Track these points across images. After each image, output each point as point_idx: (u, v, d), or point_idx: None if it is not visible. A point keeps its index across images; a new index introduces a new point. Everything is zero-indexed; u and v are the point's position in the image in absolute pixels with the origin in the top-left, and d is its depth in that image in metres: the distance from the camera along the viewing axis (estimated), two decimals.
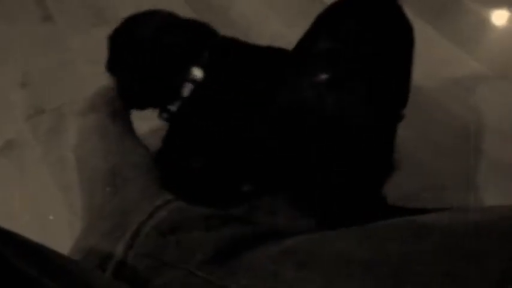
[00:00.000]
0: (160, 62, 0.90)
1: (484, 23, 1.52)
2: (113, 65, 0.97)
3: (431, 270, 0.52)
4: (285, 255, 0.62)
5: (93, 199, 0.89)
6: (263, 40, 1.32)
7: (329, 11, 0.89)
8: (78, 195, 0.93)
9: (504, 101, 1.24)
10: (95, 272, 0.70)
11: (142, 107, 0.98)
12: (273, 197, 0.85)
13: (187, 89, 0.89)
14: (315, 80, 0.84)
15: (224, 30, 1.19)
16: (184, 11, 1.28)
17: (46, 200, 1.12)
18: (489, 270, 0.50)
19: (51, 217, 1.09)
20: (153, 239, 0.75)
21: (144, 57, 0.91)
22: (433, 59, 1.30)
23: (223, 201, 0.86)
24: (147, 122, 1.17)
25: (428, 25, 1.45)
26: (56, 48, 1.45)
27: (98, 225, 0.82)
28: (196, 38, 0.92)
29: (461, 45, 1.42)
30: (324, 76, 0.84)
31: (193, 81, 0.89)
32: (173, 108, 0.92)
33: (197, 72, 0.88)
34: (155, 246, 0.73)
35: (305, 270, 0.59)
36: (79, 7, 1.58)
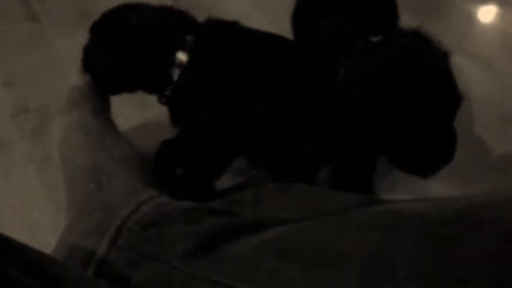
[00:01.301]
0: (145, 49, 0.91)
1: (469, 18, 1.53)
2: (94, 56, 0.98)
3: (407, 257, 0.52)
4: (266, 246, 0.63)
5: (77, 196, 0.89)
6: None
7: None
8: (63, 193, 0.93)
9: (489, 94, 1.25)
10: (75, 270, 0.70)
11: (132, 90, 0.98)
12: (255, 189, 0.86)
13: (175, 74, 0.90)
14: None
15: None
16: None
17: (31, 198, 1.12)
18: (464, 256, 0.50)
19: (35, 215, 1.09)
20: (135, 233, 0.75)
21: (129, 45, 0.92)
22: None
23: (206, 195, 0.86)
24: (130, 119, 1.18)
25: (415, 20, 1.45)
26: (40, 48, 1.44)
27: (82, 222, 0.82)
28: (179, 23, 0.93)
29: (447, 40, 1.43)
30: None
31: (180, 65, 0.90)
32: (167, 92, 0.93)
33: (182, 57, 0.90)
34: (137, 240, 0.74)
35: (284, 260, 0.59)
36: (64, 6, 1.58)
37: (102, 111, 1.01)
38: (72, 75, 1.13)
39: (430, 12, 1.53)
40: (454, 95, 0.82)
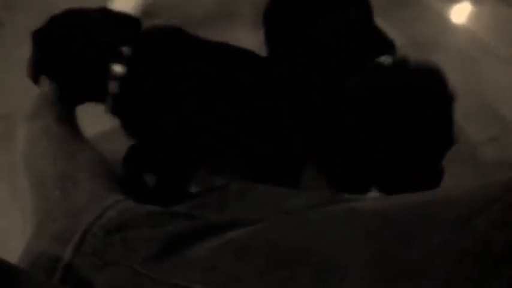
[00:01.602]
0: (80, 60, 0.90)
1: (436, 17, 1.55)
2: (37, 64, 0.97)
3: (360, 253, 0.53)
4: (225, 248, 0.63)
5: (42, 203, 0.89)
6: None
7: None
8: (29, 201, 0.93)
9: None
10: (39, 279, 0.70)
11: (79, 102, 0.98)
12: (219, 192, 0.86)
13: (113, 86, 0.89)
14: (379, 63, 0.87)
15: None
16: None
17: None
18: (417, 252, 0.51)
19: (3, 222, 1.09)
20: (99, 238, 0.75)
21: (64, 56, 0.91)
22: None
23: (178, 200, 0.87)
24: (98, 124, 1.18)
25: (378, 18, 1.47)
26: (4, 55, 1.44)
27: (48, 228, 0.83)
28: (117, 34, 0.92)
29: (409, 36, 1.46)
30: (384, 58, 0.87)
31: (116, 77, 0.89)
32: (109, 104, 0.93)
33: (118, 69, 0.89)
34: (101, 246, 0.74)
35: (242, 261, 0.60)
36: (30, 14, 1.58)
37: (67, 117, 1.01)
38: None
39: (399, 10, 1.55)
40: (449, 137, 0.83)
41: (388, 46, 0.92)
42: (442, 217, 0.53)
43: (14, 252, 0.77)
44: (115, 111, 0.92)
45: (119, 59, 0.89)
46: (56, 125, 0.97)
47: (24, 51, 1.43)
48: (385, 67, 0.86)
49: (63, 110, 1.01)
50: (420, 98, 0.80)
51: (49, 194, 0.88)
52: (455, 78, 1.29)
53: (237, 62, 0.92)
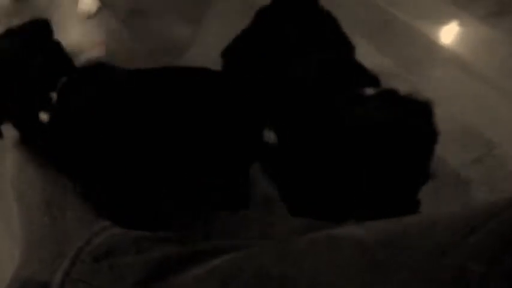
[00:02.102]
0: (10, 89, 0.89)
1: (422, 38, 1.57)
2: None
3: (341, 283, 0.55)
4: (211, 275, 0.64)
5: (32, 229, 0.89)
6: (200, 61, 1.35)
7: None
8: (18, 226, 0.94)
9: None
10: None
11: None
12: (206, 219, 0.87)
13: (44, 117, 0.88)
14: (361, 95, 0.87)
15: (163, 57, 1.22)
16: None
17: None
18: (394, 281, 0.53)
19: None
20: (88, 265, 0.76)
21: None
22: None
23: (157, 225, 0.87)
24: None
25: (364, 39, 1.50)
26: None
27: (37, 254, 0.84)
28: (50, 65, 0.91)
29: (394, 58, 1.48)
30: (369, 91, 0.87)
31: (48, 107, 0.88)
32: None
33: (43, 116, 0.88)
34: (89, 272, 0.75)
35: None
36: None
37: None
38: None
39: (385, 32, 1.58)
40: (425, 173, 0.83)
41: (371, 79, 0.92)
42: (422, 245, 0.54)
43: (3, 276, 0.77)
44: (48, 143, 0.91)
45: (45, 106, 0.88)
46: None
47: None
48: (366, 98, 0.86)
49: None
50: (401, 131, 0.80)
51: (38, 220, 0.88)
52: (439, 100, 1.32)
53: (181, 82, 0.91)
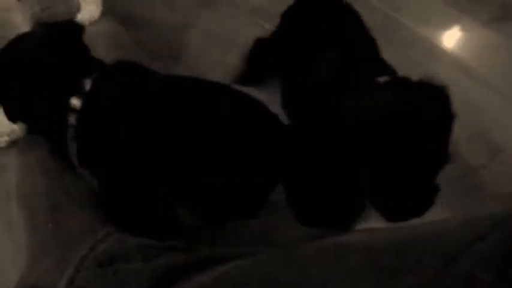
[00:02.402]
0: (40, 92, 0.88)
1: (425, 43, 1.57)
2: None
3: None
4: (217, 282, 0.64)
5: (36, 235, 0.89)
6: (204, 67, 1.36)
7: None
8: (22, 232, 0.94)
9: None
10: None
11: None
12: (212, 230, 0.87)
13: (72, 118, 0.87)
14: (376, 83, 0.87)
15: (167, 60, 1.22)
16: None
17: None
18: (401, 286, 0.52)
19: None
20: (92, 271, 0.76)
21: (24, 84, 0.89)
22: None
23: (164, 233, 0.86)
24: None
25: None
26: None
27: (42, 261, 0.84)
28: (77, 67, 0.90)
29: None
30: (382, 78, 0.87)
31: (74, 110, 0.87)
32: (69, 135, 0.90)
33: (75, 102, 0.87)
34: (94, 278, 0.75)
35: None
36: None
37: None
38: None
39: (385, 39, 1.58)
40: (443, 156, 0.83)
41: (387, 69, 0.91)
42: (429, 253, 0.54)
43: (6, 284, 0.77)
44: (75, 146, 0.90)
45: (78, 92, 0.87)
46: (49, 158, 0.97)
47: None
48: (382, 85, 0.86)
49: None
50: (418, 116, 0.79)
51: (42, 226, 0.88)
52: None
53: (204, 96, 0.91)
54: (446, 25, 1.64)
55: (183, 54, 1.53)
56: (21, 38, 0.93)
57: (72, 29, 0.95)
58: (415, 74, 1.41)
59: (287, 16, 1.13)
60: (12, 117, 0.93)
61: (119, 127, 0.86)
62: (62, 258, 0.81)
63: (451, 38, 1.61)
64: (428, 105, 0.82)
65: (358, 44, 1.01)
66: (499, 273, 0.48)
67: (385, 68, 0.93)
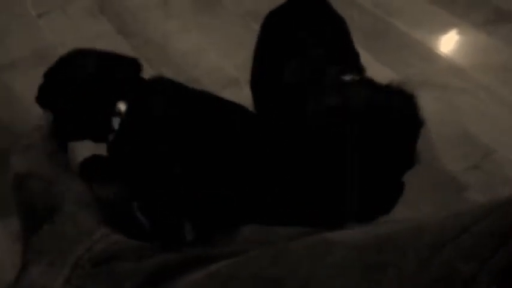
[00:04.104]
0: (89, 99, 0.95)
1: (418, 46, 1.58)
2: (47, 101, 1.02)
3: (334, 284, 0.56)
4: (209, 280, 0.65)
5: (32, 236, 0.90)
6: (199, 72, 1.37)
7: None
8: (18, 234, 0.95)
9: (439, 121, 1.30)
10: None
11: (80, 138, 1.01)
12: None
13: (115, 122, 0.93)
14: (341, 81, 0.87)
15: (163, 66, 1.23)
16: (123, 47, 1.32)
17: None
18: (386, 282, 0.54)
19: None
20: (87, 271, 0.77)
21: (75, 94, 0.96)
22: None
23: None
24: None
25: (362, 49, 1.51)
26: None
27: (38, 261, 0.84)
28: (122, 74, 0.98)
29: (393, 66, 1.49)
30: (348, 77, 0.88)
31: (119, 114, 0.93)
32: (110, 139, 0.96)
33: (121, 106, 0.93)
34: (88, 278, 0.76)
35: None
36: (20, 49, 1.61)
37: (59, 151, 1.04)
38: (30, 118, 1.15)
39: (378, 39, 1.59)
40: (411, 156, 0.84)
41: (354, 67, 0.92)
42: (413, 246, 0.55)
43: (3, 284, 0.78)
44: (115, 149, 0.95)
45: (123, 98, 0.94)
46: (47, 162, 0.99)
47: (17, 83, 1.47)
48: (346, 84, 0.86)
49: (55, 143, 1.04)
50: (381, 117, 0.80)
51: (38, 227, 0.89)
52: (436, 107, 1.33)
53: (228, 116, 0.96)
54: (441, 28, 1.65)
55: (178, 59, 1.55)
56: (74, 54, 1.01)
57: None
58: (408, 77, 1.44)
59: (267, 23, 1.15)
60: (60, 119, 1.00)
61: (153, 139, 0.93)
62: (57, 259, 0.82)
63: (445, 41, 1.62)
64: (393, 106, 0.83)
65: (328, 45, 1.02)
66: (482, 263, 0.49)
67: (353, 67, 0.93)
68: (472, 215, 0.55)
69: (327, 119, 0.80)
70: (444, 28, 1.65)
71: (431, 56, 1.56)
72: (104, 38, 1.63)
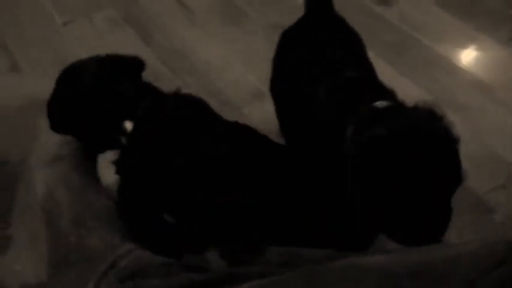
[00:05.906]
0: (97, 115, 0.96)
1: (442, 62, 1.57)
2: (60, 129, 1.05)
3: None
4: None
5: (59, 248, 0.91)
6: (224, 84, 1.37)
7: None
8: (44, 245, 0.95)
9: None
10: None
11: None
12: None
13: (123, 139, 0.94)
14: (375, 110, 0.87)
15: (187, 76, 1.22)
16: (146, 55, 1.32)
17: (12, 250, 1.12)
18: None
19: (17, 267, 1.09)
20: (113, 286, 0.77)
21: (80, 118, 0.98)
22: None
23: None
24: None
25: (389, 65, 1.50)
26: (21, 98, 1.46)
27: (64, 275, 0.85)
28: (132, 94, 0.97)
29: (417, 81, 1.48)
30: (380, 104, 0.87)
31: (124, 133, 0.94)
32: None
33: (128, 125, 0.94)
34: None
35: None
36: (45, 56, 1.62)
37: (84, 164, 1.04)
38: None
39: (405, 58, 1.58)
40: (456, 174, 0.82)
41: (385, 93, 0.91)
42: (447, 278, 0.54)
43: None
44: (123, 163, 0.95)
45: (131, 117, 0.94)
46: (74, 174, 0.99)
47: (41, 92, 1.47)
48: (379, 111, 0.86)
49: (80, 156, 1.04)
50: (418, 140, 0.80)
51: (65, 240, 0.90)
52: (462, 126, 1.31)
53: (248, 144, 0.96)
54: (465, 44, 1.64)
55: (202, 69, 1.55)
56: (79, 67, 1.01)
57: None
58: (433, 92, 1.43)
59: (285, 37, 1.15)
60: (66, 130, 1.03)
61: (159, 157, 0.92)
62: (83, 273, 0.82)
63: (471, 57, 1.61)
64: (432, 129, 0.82)
65: (356, 67, 1.01)
66: None
67: (382, 92, 0.93)
68: (506, 247, 0.54)
69: (369, 149, 0.80)
70: (469, 44, 1.64)
71: (456, 71, 1.55)
72: (127, 46, 1.63)
